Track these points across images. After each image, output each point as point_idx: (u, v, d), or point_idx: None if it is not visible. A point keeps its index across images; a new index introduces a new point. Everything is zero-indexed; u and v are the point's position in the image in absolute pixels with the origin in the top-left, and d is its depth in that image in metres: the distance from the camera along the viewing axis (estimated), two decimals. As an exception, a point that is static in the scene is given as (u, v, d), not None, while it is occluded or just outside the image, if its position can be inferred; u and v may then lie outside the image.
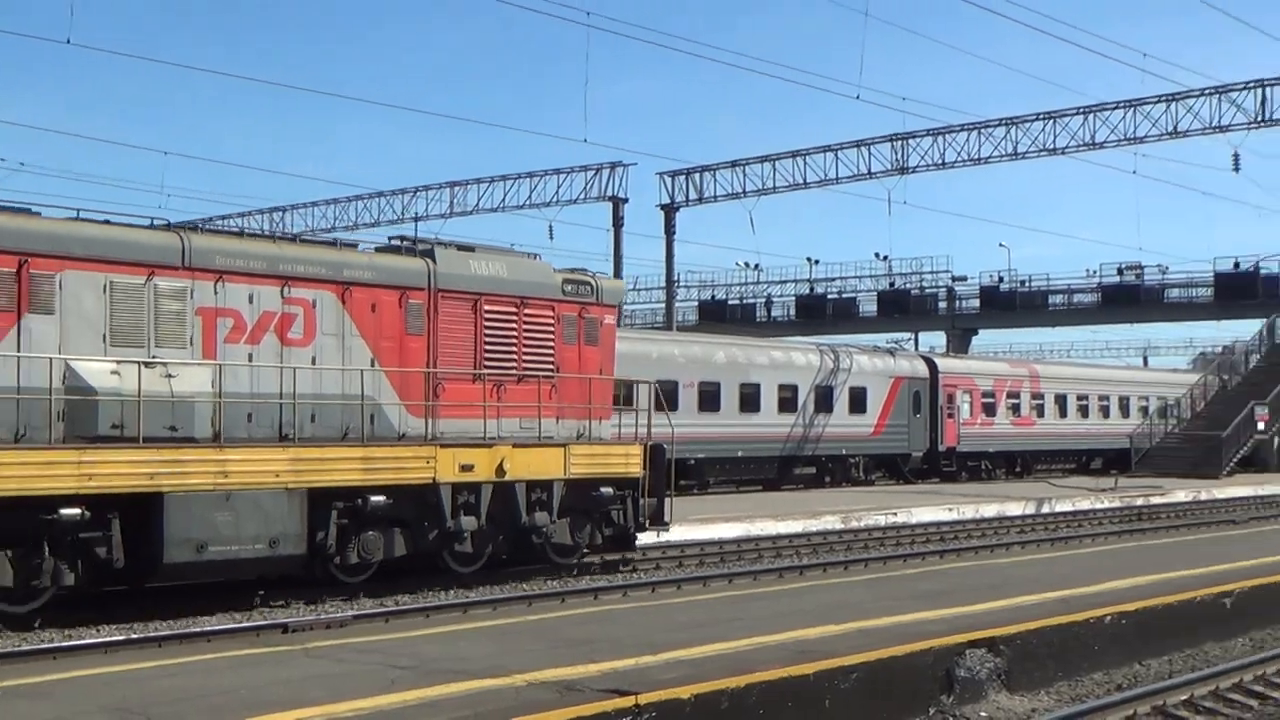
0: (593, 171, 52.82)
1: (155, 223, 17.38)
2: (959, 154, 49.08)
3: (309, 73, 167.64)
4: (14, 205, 16.06)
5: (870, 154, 50.29)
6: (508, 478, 19.53)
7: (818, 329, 69.50)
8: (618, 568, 21.83)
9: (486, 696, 9.21)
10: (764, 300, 78.15)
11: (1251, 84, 45.08)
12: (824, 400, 41.57)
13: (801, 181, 51.98)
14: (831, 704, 10.49)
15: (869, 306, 74.36)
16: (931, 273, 74.29)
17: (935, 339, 75.47)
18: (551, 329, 20.99)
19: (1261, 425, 52.04)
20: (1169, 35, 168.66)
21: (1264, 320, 60.00)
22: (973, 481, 46.16)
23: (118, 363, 15.90)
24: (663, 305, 59.05)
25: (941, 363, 47.97)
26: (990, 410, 48.92)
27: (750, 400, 39.25)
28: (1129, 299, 66.02)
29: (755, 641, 11.60)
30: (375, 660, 10.86)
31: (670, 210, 53.33)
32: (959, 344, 69.70)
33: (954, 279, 73.09)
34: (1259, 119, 44.88)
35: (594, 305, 21.81)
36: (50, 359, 15.39)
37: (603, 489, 21.07)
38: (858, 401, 42.86)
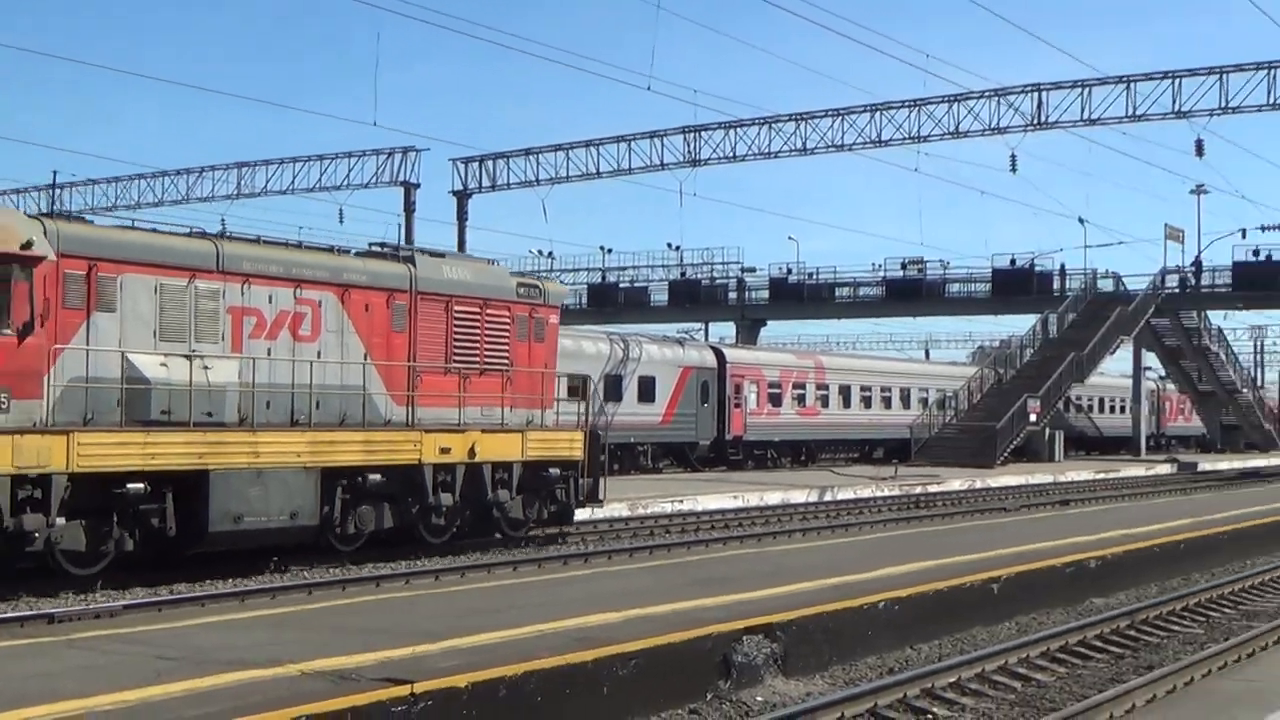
0: (384, 156, 52.16)
1: (192, 230, 19.92)
2: (750, 147, 49.68)
3: (101, 48, 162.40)
4: (75, 215, 18.12)
5: (663, 145, 50.67)
6: (478, 459, 22.19)
7: (609, 318, 69.51)
8: (556, 540, 24.08)
9: (259, 687, 9.01)
10: (556, 288, 77.94)
11: (1029, 88, 46.58)
12: (613, 388, 41.72)
13: (595, 171, 52.05)
14: (611, 690, 10.53)
15: (660, 296, 74.80)
16: (722, 264, 74.89)
17: (725, 329, 76.22)
18: (508, 327, 23.59)
19: (1034, 417, 53.87)
20: (952, 38, 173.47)
21: (1038, 316, 62.36)
22: (759, 470, 46.61)
23: (166, 356, 18.33)
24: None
25: (730, 353, 48.58)
26: (777, 400, 49.63)
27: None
28: (912, 293, 67.32)
29: (536, 629, 11.59)
30: (143, 651, 10.56)
31: (463, 197, 52.92)
32: (748, 335, 70.43)
33: (744, 270, 73.63)
34: (1035, 122, 46.35)
35: (541, 306, 24.44)
36: (120, 353, 17.81)
37: (551, 469, 23.77)
38: (647, 390, 43.12)
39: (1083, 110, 45.68)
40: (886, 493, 38.31)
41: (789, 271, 73.05)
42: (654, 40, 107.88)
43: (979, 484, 42.49)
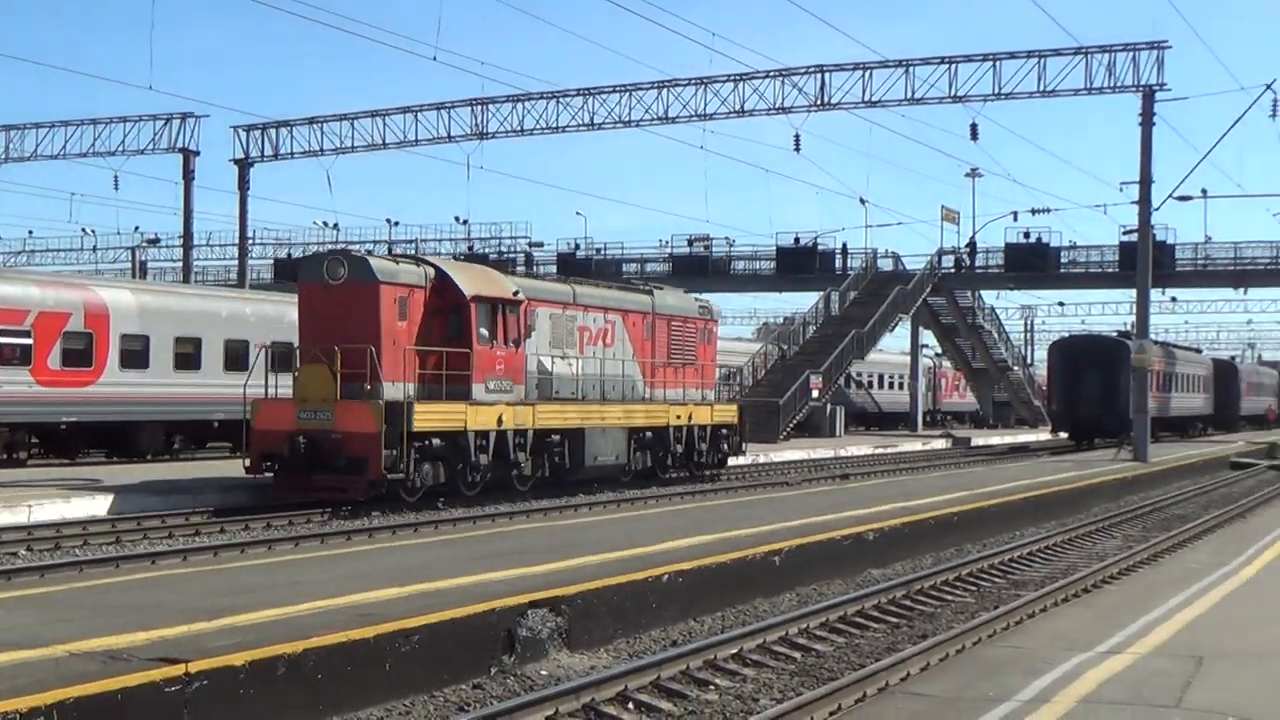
0: (162, 121, 50.93)
1: (559, 277, 32.84)
2: (538, 121, 49.72)
3: None
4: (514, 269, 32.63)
5: (450, 117, 50.48)
6: (692, 422, 32.68)
7: (395, 291, 68.79)
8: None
9: (22, 669, 8.63)
10: (342, 261, 76.68)
11: (812, 69, 47.45)
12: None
13: (380, 142, 51.63)
14: (393, 667, 10.41)
15: (447, 270, 74.76)
16: (510, 238, 74.98)
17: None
18: (695, 336, 34.03)
19: (815, 393, 54.85)
20: (738, 19, 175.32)
21: (821, 293, 63.49)
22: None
23: (558, 358, 28.85)
24: (235, 263, 57.43)
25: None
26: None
27: (326, 361, 38.55)
28: (698, 269, 67.97)
29: (317, 605, 11.38)
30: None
31: (244, 165, 52.08)
32: (535, 309, 70.37)
33: (531, 245, 73.85)
34: (819, 102, 47.28)
35: (710, 320, 35.23)
36: (537, 356, 28.15)
37: (723, 429, 34.10)
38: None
39: (864, 92, 46.82)
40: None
41: (576, 247, 73.40)
42: (440, 10, 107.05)
43: (762, 459, 42.65)
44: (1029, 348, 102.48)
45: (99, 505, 23.02)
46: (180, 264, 53.83)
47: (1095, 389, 52.88)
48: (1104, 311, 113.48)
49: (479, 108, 50.04)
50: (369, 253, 28.46)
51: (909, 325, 69.19)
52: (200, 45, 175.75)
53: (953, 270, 65.86)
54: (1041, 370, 76.29)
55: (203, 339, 34.80)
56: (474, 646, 11.41)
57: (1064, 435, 56.47)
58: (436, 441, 24.85)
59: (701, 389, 34.03)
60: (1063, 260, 65.00)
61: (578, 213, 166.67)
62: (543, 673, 11.75)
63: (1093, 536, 24.19)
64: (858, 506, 22.75)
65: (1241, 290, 71.09)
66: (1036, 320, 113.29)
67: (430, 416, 24.68)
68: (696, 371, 33.95)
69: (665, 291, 34.22)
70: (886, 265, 67.28)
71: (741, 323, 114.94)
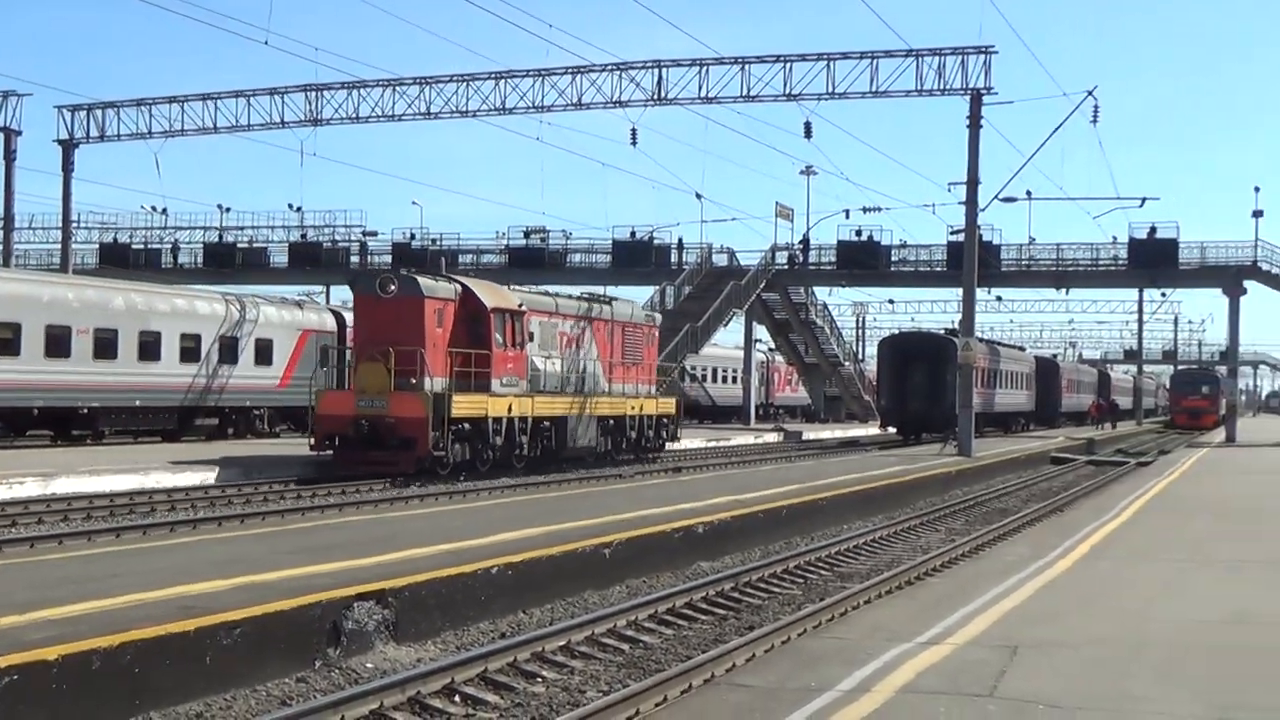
0: (-18, 99, 49.46)
1: (545, 290, 37.90)
2: (373, 109, 49.19)
3: None
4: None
5: (284, 102, 49.67)
6: (642, 412, 38.60)
7: (228, 278, 67.69)
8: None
9: None
10: (171, 246, 75.46)
11: (650, 64, 47.55)
12: (229, 351, 40.43)
13: (212, 126, 50.61)
14: (214, 660, 10.25)
15: (280, 258, 73.45)
16: (345, 226, 73.98)
17: (347, 293, 75.08)
18: (642, 338, 39.54)
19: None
20: (574, 11, 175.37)
21: (656, 287, 63.69)
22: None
23: (546, 358, 33.92)
24: (58, 246, 55.89)
25: (350, 316, 47.43)
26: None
27: (150, 349, 37.59)
28: (534, 261, 67.87)
29: (137, 599, 11.15)
30: None
31: (69, 147, 50.67)
32: (371, 299, 69.47)
33: (366, 234, 73.04)
34: (656, 97, 47.41)
35: (654, 326, 41.31)
36: (533, 357, 33.13)
37: (664, 419, 40.20)
38: (264, 353, 41.88)
39: (700, 88, 47.04)
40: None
41: (412, 236, 72.76)
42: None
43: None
44: (860, 344, 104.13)
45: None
46: None
47: (923, 385, 53.67)
48: (933, 309, 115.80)
49: (313, 94, 49.29)
50: (416, 272, 32.79)
51: (743, 320, 69.66)
52: (25, 26, 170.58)
53: (786, 266, 66.48)
54: (872, 366, 77.55)
55: (22, 324, 33.76)
56: (299, 639, 11.26)
57: (893, 430, 57.21)
58: (466, 426, 30.49)
59: (648, 384, 39.83)
60: (893, 258, 65.89)
61: (414, 202, 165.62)
62: (368, 665, 11.66)
63: (918, 530, 24.58)
64: (689, 499, 22.87)
65: (1063, 290, 72.91)
66: (868, 317, 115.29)
67: (464, 405, 30.25)
68: (642, 369, 39.86)
69: (620, 302, 40.72)
70: (721, 260, 67.65)
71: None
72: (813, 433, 62.93)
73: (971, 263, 42.10)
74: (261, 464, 30.46)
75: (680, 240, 68.55)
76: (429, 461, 29.49)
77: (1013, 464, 42.47)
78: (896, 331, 68.28)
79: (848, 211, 67.86)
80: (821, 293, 75.78)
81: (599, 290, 49.54)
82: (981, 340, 53.65)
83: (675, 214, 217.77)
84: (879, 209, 66.01)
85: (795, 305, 70.43)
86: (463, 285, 32.06)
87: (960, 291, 45.68)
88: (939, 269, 64.87)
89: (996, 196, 45.15)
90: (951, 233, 60.10)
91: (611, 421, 37.02)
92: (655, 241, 67.77)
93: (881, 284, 74.41)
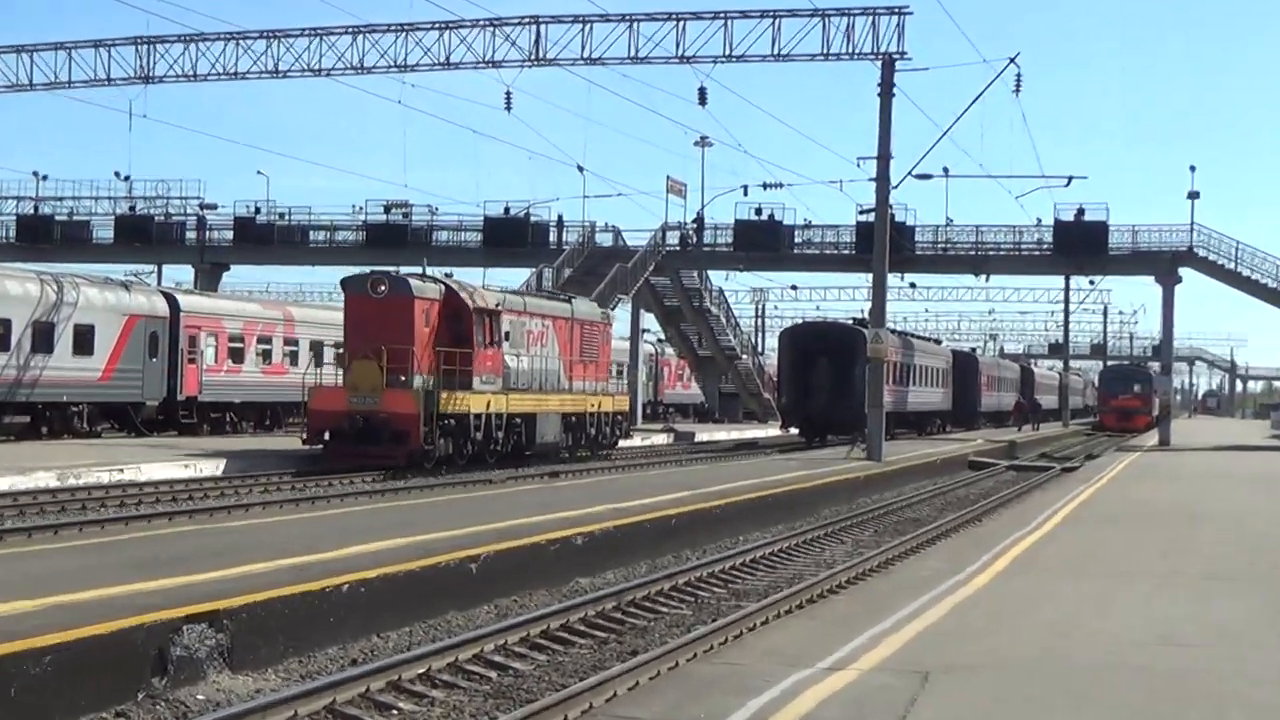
0: None
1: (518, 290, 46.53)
2: (213, 66, 48.88)
3: None
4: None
5: (110, 57, 49.02)
6: (600, 409, 44.55)
7: (44, 255, 66.71)
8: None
9: None
10: (-24, 219, 74.99)
11: (527, 19, 47.57)
12: (43, 338, 39.74)
13: (27, 82, 49.81)
14: (19, 692, 10.03)
15: (105, 232, 72.85)
16: (180, 198, 73.38)
17: (182, 273, 74.68)
18: (598, 336, 45.32)
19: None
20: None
21: (532, 269, 63.23)
22: (216, 436, 45.83)
23: (516, 356, 39.07)
24: None
25: (184, 300, 47.32)
26: (239, 356, 48.74)
27: (-53, 335, 37.25)
28: (395, 240, 67.70)
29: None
30: None
31: None
32: (208, 280, 68.89)
33: (204, 207, 72.08)
34: (533, 57, 47.38)
35: (608, 324, 47.88)
36: (505, 355, 38.54)
37: (618, 416, 46.47)
38: (84, 341, 41.19)
39: (583, 48, 47.22)
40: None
41: (257, 210, 72.08)
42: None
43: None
44: (759, 335, 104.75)
45: None
46: None
47: (828, 381, 54.12)
48: (840, 297, 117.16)
49: (144, 47, 48.63)
50: (404, 274, 36.94)
51: (629, 307, 69.78)
52: None
53: (678, 248, 66.90)
54: (772, 360, 78.23)
55: None
56: (118, 668, 11.08)
57: (795, 431, 57.87)
58: (451, 421, 35.35)
59: (600, 381, 45.47)
60: (797, 240, 66.55)
61: (259, 172, 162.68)
62: (199, 697, 11.51)
63: (822, 542, 24.89)
64: (567, 507, 22.88)
65: (983, 276, 73.52)
66: (768, 305, 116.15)
67: (450, 402, 35.12)
68: (599, 367, 45.48)
69: (579, 300, 45.88)
70: (606, 240, 67.85)
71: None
72: (707, 434, 63.67)
73: (882, 245, 42.47)
74: (255, 457, 34.82)
75: (560, 218, 68.89)
76: (420, 455, 34.56)
77: (927, 469, 43.11)
78: (799, 321, 68.69)
79: (746, 188, 67.78)
80: (717, 277, 76.31)
81: (475, 274, 49.66)
82: (893, 332, 54.28)
83: (555, 188, 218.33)
84: (781, 185, 66.77)
85: (688, 291, 70.87)
86: (445, 286, 37.59)
87: (870, 277, 46.18)
88: (847, 252, 65.57)
89: (910, 173, 45.91)
90: (861, 212, 60.89)
91: (574, 418, 42.84)
92: (532, 219, 67.84)
93: (783, 267, 74.88)
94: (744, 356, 77.88)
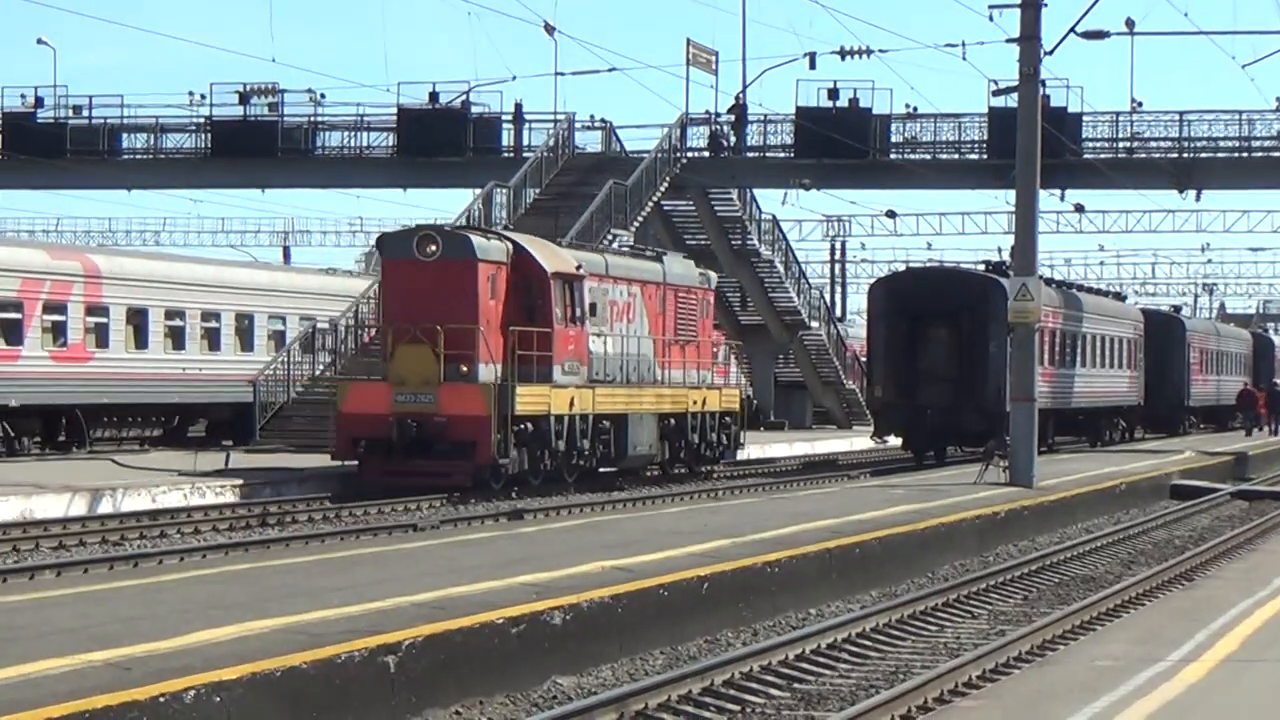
0: None
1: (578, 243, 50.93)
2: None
3: None
4: None
5: None
6: (705, 409, 48.70)
7: None
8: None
9: None
10: None
11: None
12: None
13: None
14: None
15: None
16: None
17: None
18: (696, 307, 49.60)
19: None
20: None
21: (477, 191, 63.17)
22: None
23: (601, 337, 44.44)
24: None
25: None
26: (14, 333, 49.09)
27: None
28: (259, 145, 68.50)
29: None
30: None
31: None
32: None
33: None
34: None
35: (708, 289, 51.59)
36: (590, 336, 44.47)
37: (726, 418, 51.10)
38: None
39: None
40: (213, 499, 38.54)
41: (39, 102, 72.46)
42: None
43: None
44: (838, 291, 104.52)
45: None
46: None
47: (947, 361, 54.53)
48: (964, 228, 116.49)
49: None
50: (461, 230, 41.46)
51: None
52: None
53: (706, 154, 67.21)
54: (859, 331, 77.77)
55: None
56: None
57: (895, 441, 58.17)
58: (528, 426, 39.65)
59: (702, 369, 50.39)
60: (894, 139, 67.07)
61: (41, 40, 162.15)
62: None
63: (939, 615, 24.88)
64: (538, 566, 22.83)
65: (1190, 194, 72.76)
66: (851, 243, 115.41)
67: (528, 400, 39.25)
68: (699, 350, 49.86)
69: (671, 258, 49.96)
70: (592, 143, 68.46)
71: (339, 240, 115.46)
72: (756, 447, 63.29)
73: (1031, 145, 42.47)
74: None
75: (519, 108, 69.48)
76: (489, 472, 39.09)
77: (1105, 499, 43.39)
78: (900, 269, 68.19)
79: (813, 57, 67.55)
80: (769, 200, 76.24)
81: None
82: (1049, 283, 53.94)
83: (509, 62, 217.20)
84: (869, 52, 66.38)
85: (723, 223, 71.69)
86: (514, 243, 41.59)
87: (1011, 197, 46.16)
88: (973, 157, 66.18)
89: (1074, 28, 45.63)
90: (995, 93, 60.68)
91: (671, 420, 47.53)
92: (474, 110, 68.34)
93: (874, 182, 75.57)
94: (813, 325, 78.40)
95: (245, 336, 59.16)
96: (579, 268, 41.69)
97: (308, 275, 70.69)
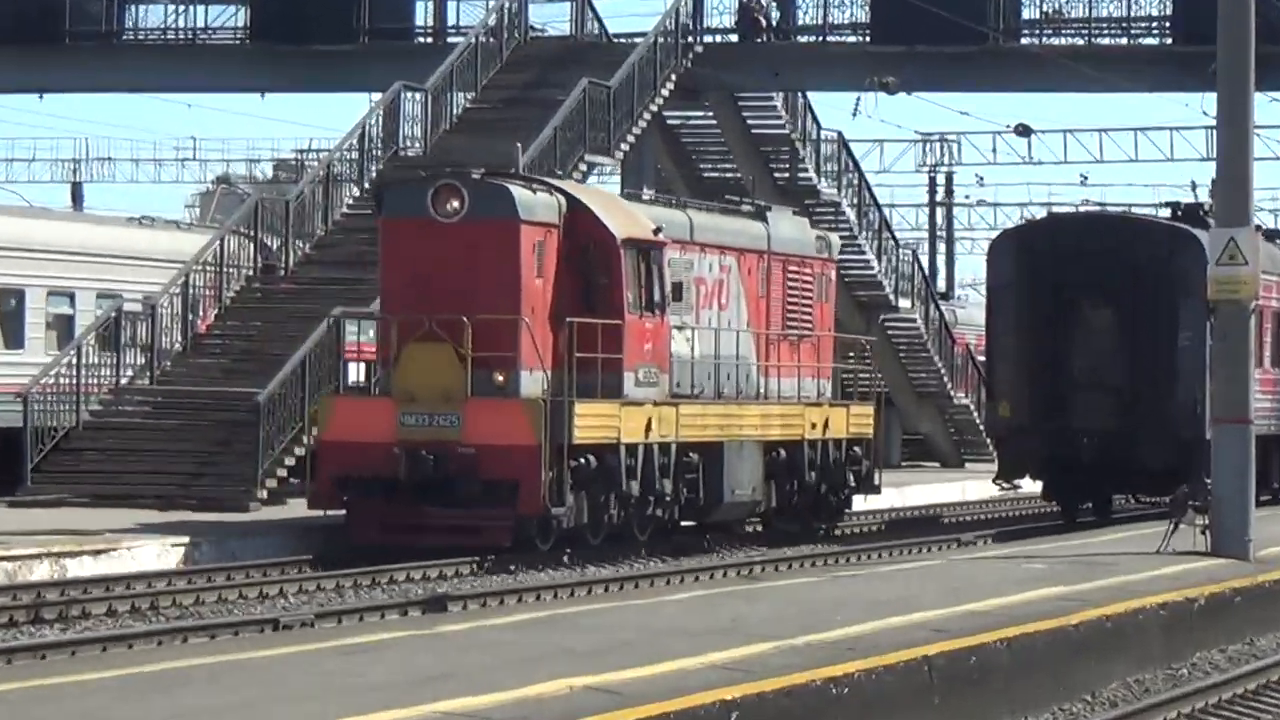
0: None
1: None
2: None
3: None
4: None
5: None
6: (830, 434, 50.26)
7: None
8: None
9: None
10: None
11: None
12: None
13: None
14: None
15: None
16: None
17: None
18: (812, 286, 50.86)
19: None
20: None
21: (383, 95, 67.09)
22: None
23: (684, 330, 47.19)
24: None
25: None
26: None
27: None
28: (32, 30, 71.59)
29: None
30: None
31: None
32: None
33: None
34: None
35: (830, 261, 53.40)
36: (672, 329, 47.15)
37: (856, 448, 52.46)
38: None
39: None
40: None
41: None
42: None
43: (206, 547, 44.81)
44: (941, 252, 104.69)
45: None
46: None
47: (1112, 360, 54.75)
48: (1136, 152, 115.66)
49: None
50: (491, 178, 40.65)
51: (619, 182, 70.54)
52: None
53: (734, 38, 69.17)
54: (972, 313, 77.63)
55: None
56: None
57: (1031, 485, 59.18)
58: (589, 461, 40.08)
59: (820, 377, 51.76)
60: (1025, 16, 70.31)
61: None
62: None
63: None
64: (468, 686, 22.26)
65: None
66: (962, 178, 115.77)
67: (592, 423, 39.90)
68: (816, 349, 51.34)
69: (779, 215, 51.20)
70: (556, 22, 72.00)
71: (158, 173, 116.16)
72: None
73: (1242, 22, 42.50)
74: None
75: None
76: (535, 526, 40.06)
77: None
78: (1041, 216, 67.36)
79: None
80: (833, 109, 76.78)
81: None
82: (1275, 238, 53.47)
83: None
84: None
85: (760, 145, 73.27)
86: (567, 196, 42.26)
87: (1211, 103, 47.24)
88: (1150, 43, 68.02)
89: None
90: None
91: (781, 453, 48.41)
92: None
93: (997, 83, 78.45)
94: (902, 305, 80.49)
95: (9, 325, 61.49)
96: (658, 231, 41.53)
97: (111, 229, 72.51)
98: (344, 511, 38.61)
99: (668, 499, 41.11)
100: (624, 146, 66.14)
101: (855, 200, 78.66)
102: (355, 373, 58.23)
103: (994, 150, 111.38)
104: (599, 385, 38.42)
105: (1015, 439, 58.12)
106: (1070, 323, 55.83)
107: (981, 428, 69.04)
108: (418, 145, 65.48)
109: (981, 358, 70.45)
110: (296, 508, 51.07)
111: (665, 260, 41.47)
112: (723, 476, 43.09)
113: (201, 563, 44.28)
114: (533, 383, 37.25)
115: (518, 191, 37.80)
